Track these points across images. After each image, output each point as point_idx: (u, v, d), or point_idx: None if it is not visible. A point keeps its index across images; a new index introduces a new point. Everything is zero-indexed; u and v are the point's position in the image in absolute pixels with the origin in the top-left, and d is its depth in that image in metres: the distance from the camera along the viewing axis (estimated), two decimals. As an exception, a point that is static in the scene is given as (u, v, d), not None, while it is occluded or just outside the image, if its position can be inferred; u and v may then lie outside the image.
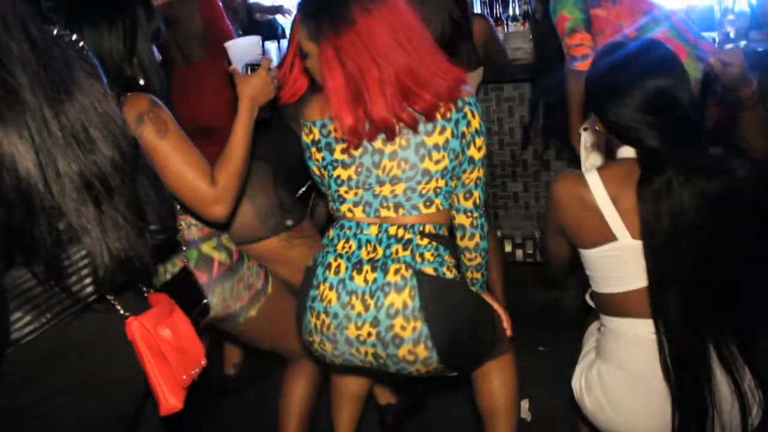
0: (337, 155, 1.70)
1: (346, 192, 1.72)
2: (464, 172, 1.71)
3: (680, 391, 1.49)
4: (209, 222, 1.86)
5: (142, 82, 1.77)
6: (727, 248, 1.45)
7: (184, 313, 1.48)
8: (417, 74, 1.60)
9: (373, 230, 1.69)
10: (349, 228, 1.72)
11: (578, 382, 1.76)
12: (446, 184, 1.68)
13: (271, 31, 4.36)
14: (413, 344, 1.63)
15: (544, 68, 2.74)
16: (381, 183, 1.67)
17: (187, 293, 1.83)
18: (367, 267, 1.65)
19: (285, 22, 4.51)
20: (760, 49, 2.60)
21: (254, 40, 2.01)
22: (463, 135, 1.66)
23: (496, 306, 1.90)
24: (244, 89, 1.86)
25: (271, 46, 4.03)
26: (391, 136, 1.63)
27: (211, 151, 1.82)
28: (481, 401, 2.00)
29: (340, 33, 1.60)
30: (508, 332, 1.92)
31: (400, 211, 1.68)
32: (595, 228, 1.55)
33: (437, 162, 1.66)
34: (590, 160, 2.30)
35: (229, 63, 1.98)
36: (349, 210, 1.72)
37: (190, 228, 1.92)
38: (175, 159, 1.70)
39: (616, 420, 1.66)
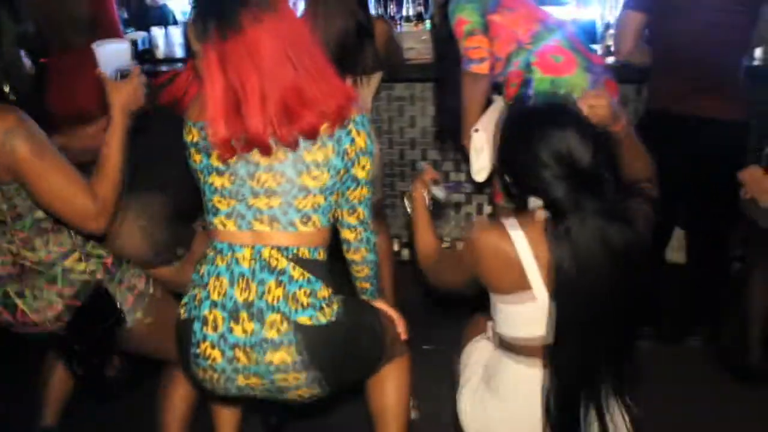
0: (213, 161, 1.61)
1: (219, 201, 1.63)
2: (348, 189, 1.66)
3: (556, 429, 1.59)
4: (81, 235, 1.85)
5: (6, 89, 1.69)
6: (622, 296, 1.52)
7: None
8: (302, 93, 1.52)
9: (246, 254, 1.60)
10: (221, 257, 1.63)
11: (465, 404, 1.81)
12: (325, 200, 1.61)
13: (162, 18, 4.17)
14: (299, 389, 1.63)
15: (444, 70, 2.77)
16: (255, 194, 1.60)
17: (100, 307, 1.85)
18: (243, 315, 1.57)
19: (177, 8, 4.34)
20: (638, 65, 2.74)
21: (125, 45, 1.91)
22: (346, 153, 1.60)
23: (389, 311, 1.89)
24: (116, 97, 1.83)
25: (159, 32, 3.89)
26: (266, 152, 1.56)
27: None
28: (372, 403, 1.98)
29: (226, 38, 1.50)
30: (403, 336, 1.91)
31: (275, 225, 1.60)
32: (514, 280, 1.57)
33: (315, 178, 1.59)
34: (479, 162, 2.34)
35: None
36: (222, 223, 1.64)
37: (47, 246, 1.83)
38: (52, 176, 1.68)
39: None
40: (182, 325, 1.66)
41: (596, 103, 1.65)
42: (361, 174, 1.66)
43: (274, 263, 1.59)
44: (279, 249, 1.60)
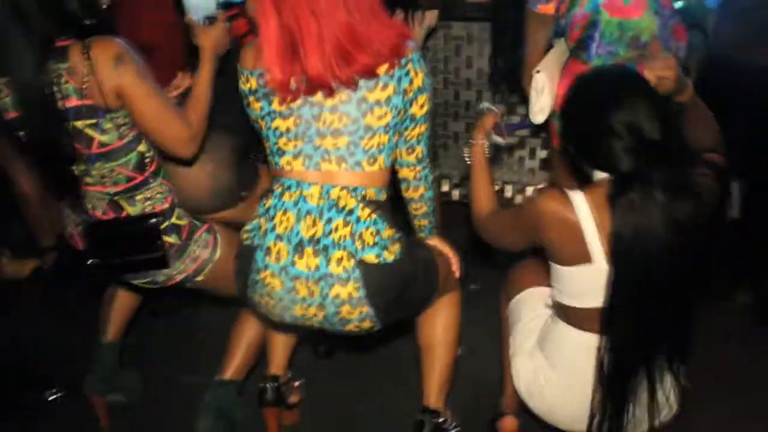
0: (276, 106, 1.63)
1: (285, 144, 1.65)
2: (406, 128, 1.67)
3: (606, 396, 1.62)
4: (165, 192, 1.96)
5: (87, 22, 1.79)
6: (682, 267, 1.52)
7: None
8: (357, 34, 1.52)
9: (315, 192, 1.63)
10: (289, 193, 1.65)
11: (519, 368, 1.87)
12: (389, 140, 1.64)
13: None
14: (359, 322, 1.68)
15: (503, 10, 2.72)
16: (322, 135, 1.61)
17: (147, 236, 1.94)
18: (308, 250, 1.61)
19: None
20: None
21: None
22: (405, 92, 1.61)
23: (443, 248, 1.93)
24: (205, 41, 2.01)
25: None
26: (329, 93, 1.57)
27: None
28: (421, 336, 2.04)
29: None
30: (457, 273, 1.96)
31: (343, 165, 1.62)
32: (576, 250, 1.57)
33: (379, 117, 1.61)
34: (540, 102, 2.31)
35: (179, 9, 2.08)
36: (288, 163, 1.66)
37: (144, 203, 1.94)
38: (154, 100, 1.81)
39: (543, 408, 1.84)
40: (245, 250, 1.72)
41: (664, 75, 1.64)
42: (419, 112, 1.67)
43: (342, 203, 1.62)
44: (348, 189, 1.63)
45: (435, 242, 1.94)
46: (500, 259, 2.48)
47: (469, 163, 1.99)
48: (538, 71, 2.34)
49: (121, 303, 2.43)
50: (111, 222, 1.92)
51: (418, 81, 1.62)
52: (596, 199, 1.53)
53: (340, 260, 1.59)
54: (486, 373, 2.44)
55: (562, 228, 1.56)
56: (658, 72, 1.63)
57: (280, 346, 2.20)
